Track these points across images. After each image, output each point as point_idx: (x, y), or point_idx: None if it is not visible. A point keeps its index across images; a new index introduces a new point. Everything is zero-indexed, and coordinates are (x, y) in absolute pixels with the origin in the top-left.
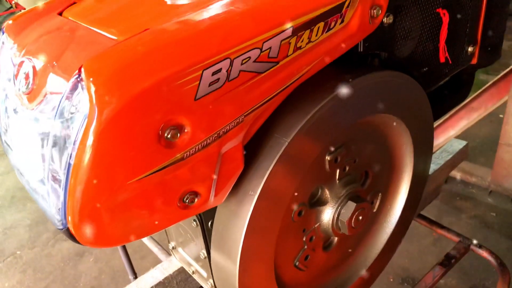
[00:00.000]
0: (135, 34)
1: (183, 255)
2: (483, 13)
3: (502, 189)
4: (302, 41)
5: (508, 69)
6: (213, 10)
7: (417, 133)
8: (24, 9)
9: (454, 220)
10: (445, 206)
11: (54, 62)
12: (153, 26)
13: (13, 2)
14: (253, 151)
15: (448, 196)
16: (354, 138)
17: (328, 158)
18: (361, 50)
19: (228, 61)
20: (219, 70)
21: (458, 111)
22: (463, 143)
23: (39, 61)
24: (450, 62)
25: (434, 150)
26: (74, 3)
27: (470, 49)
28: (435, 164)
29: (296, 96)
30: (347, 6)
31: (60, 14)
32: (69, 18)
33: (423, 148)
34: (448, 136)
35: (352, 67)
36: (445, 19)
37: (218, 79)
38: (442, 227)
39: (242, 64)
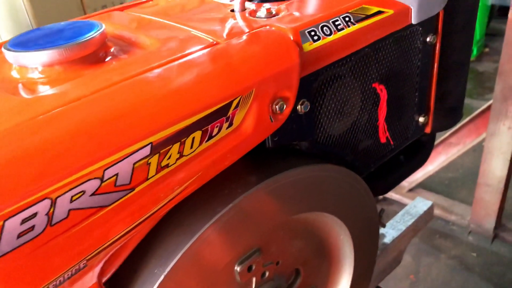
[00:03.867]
0: None
1: None
2: (435, 78)
3: (482, 230)
4: (169, 157)
5: (485, 106)
6: (33, 126)
7: (353, 221)
8: None
9: (433, 260)
10: (424, 245)
11: None
12: None
13: None
14: (125, 282)
15: (427, 233)
16: (273, 239)
17: (237, 268)
18: (270, 145)
19: (47, 202)
20: (34, 215)
21: (436, 146)
22: (428, 203)
23: None
24: (392, 143)
25: (409, 187)
26: None
27: (421, 119)
28: (395, 230)
29: (180, 209)
30: (236, 107)
31: None
32: None
33: (365, 234)
34: (427, 171)
35: (262, 161)
36: (383, 95)
37: (33, 226)
38: None
39: (72, 201)
